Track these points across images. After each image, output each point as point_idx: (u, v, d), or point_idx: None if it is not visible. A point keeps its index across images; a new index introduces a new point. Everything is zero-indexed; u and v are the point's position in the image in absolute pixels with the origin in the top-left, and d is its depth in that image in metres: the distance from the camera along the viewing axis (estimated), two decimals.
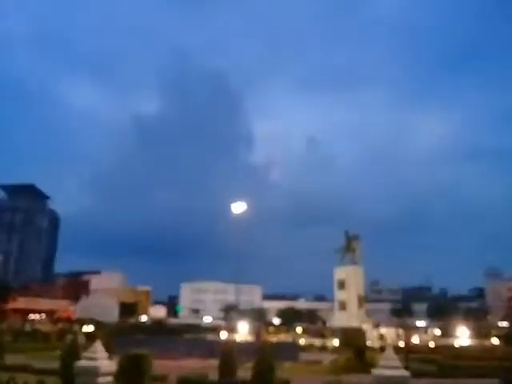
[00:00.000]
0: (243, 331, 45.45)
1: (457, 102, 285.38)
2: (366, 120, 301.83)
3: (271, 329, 63.43)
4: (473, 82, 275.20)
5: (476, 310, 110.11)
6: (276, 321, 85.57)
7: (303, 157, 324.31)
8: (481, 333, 59.84)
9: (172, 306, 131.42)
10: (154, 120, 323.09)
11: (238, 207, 71.44)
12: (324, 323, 65.00)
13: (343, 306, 55.38)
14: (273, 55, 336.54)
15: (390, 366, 4.06)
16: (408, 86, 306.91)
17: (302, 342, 35.69)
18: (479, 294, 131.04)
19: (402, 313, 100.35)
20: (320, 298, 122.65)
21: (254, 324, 51.38)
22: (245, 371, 13.20)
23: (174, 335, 42.08)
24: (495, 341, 45.76)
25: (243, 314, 65.76)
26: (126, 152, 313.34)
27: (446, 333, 59.13)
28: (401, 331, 53.37)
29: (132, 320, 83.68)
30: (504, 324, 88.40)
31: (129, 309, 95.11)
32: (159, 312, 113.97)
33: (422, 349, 31.02)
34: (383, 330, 52.65)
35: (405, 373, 4.02)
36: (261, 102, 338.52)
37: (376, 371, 4.06)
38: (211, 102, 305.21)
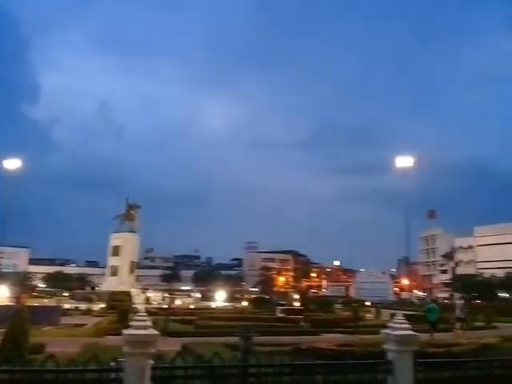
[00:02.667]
0: (2, 295, 41.35)
1: (248, 94, 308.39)
2: (160, 92, 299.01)
3: (35, 293, 59.16)
4: (268, 77, 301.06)
5: (234, 277, 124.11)
6: (42, 285, 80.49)
7: (92, 120, 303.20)
8: (235, 297, 68.17)
9: None
10: None
11: (11, 163, 63.89)
12: (93, 288, 63.85)
13: (115, 272, 55.52)
14: (70, 8, 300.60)
15: (140, 326, 4.75)
16: (208, 67, 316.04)
17: (66, 306, 34.53)
18: (238, 263, 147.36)
19: (170, 278, 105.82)
20: (92, 264, 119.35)
21: (16, 288, 47.16)
22: None
23: None
24: (245, 303, 52.87)
25: (4, 277, 59.77)
26: None
27: (207, 296, 65.38)
28: (166, 295, 56.51)
29: None
30: (255, 289, 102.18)
31: None
32: None
33: (183, 311, 33.63)
34: (150, 294, 54.88)
35: (154, 331, 4.76)
36: (53, 55, 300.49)
37: (126, 331, 4.69)
38: None
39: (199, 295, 71.08)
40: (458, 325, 23.48)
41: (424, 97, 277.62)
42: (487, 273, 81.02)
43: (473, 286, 74.99)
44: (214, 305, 49.75)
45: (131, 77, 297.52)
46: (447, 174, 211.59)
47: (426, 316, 22.72)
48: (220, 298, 55.84)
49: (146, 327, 4.57)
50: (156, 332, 4.67)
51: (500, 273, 77.52)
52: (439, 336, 19.67)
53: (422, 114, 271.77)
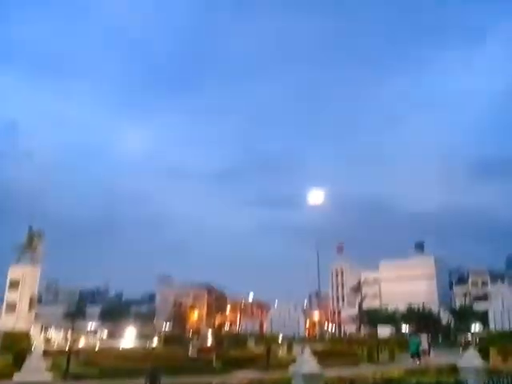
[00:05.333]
0: None
1: (167, 121, 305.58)
2: (72, 113, 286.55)
3: None
4: (188, 105, 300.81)
5: (145, 313, 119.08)
6: None
7: None
8: (146, 335, 65.19)
9: None
10: None
11: None
12: None
13: (12, 309, 50.71)
14: None
15: (34, 369, 4.41)
16: (128, 91, 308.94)
17: None
18: (150, 298, 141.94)
19: (75, 315, 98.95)
20: None
21: None
22: None
23: None
24: (156, 342, 50.71)
25: None
26: None
27: (115, 335, 61.83)
28: (69, 334, 52.67)
29: None
30: (167, 326, 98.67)
31: None
32: None
33: (88, 351, 31.50)
34: (51, 333, 50.81)
35: (47, 377, 4.42)
36: None
37: (18, 376, 4.33)
38: None
39: (106, 333, 67.10)
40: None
41: (338, 131, 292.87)
42: (391, 307, 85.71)
43: (377, 320, 78.80)
44: (121, 344, 47.14)
45: (42, 96, 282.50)
46: (356, 209, 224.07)
47: (409, 347, 28.81)
48: (129, 337, 53.10)
49: (40, 371, 4.24)
50: (49, 377, 4.34)
51: (402, 306, 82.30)
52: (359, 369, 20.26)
53: (337, 148, 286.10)
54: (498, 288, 71.53)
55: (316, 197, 73.19)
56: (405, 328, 74.10)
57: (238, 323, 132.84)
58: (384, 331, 67.00)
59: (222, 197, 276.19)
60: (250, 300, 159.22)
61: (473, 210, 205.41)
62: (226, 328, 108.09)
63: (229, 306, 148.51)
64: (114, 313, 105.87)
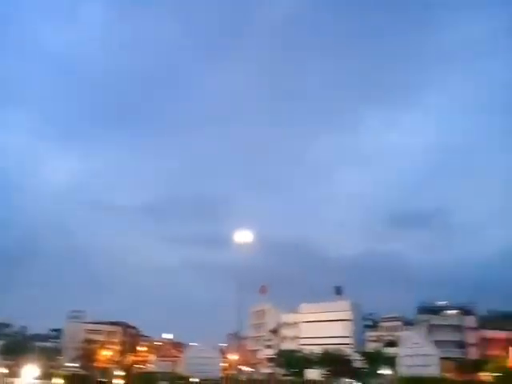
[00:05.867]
0: None
1: (98, 152, 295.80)
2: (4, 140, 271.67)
3: None
4: (125, 139, 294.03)
5: (51, 349, 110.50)
6: None
7: None
8: (49, 373, 60.20)
9: None
10: None
11: None
12: None
13: None
14: None
15: None
16: (59, 119, 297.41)
17: None
18: (58, 334, 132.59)
19: None
20: None
21: None
22: None
23: None
24: (59, 381, 47.06)
25: None
26: None
27: (15, 372, 56.49)
28: None
29: None
30: (74, 364, 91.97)
31: None
32: None
33: None
34: None
35: None
36: None
37: None
38: None
39: (6, 370, 61.13)
40: None
41: (272, 179, 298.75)
42: (307, 349, 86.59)
43: (292, 362, 79.12)
44: (21, 382, 43.20)
45: None
46: (282, 252, 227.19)
47: None
48: (30, 374, 48.72)
49: None
50: None
51: (318, 349, 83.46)
52: None
53: (270, 195, 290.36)
54: (407, 334, 74.98)
55: (243, 237, 73.42)
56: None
57: (151, 363, 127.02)
58: (312, 374, 66.75)
59: (153, 232, 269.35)
60: (167, 339, 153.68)
61: (389, 257, 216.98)
62: (139, 367, 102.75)
63: (143, 345, 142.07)
64: (17, 348, 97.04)
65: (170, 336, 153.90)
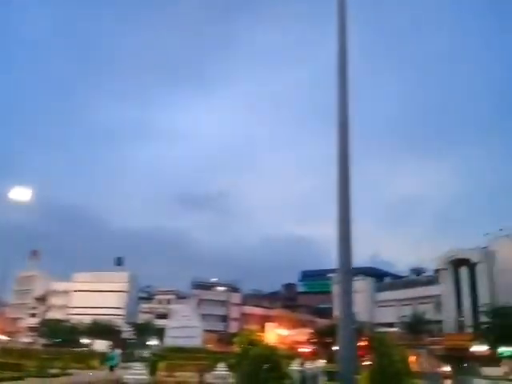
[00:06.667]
0: None
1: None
2: None
3: None
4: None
5: None
6: None
7: None
8: None
9: None
10: None
11: None
12: None
13: None
14: None
15: None
16: None
17: None
18: None
19: None
20: None
21: None
22: None
23: None
24: None
25: None
26: None
27: None
28: None
29: None
30: None
31: None
32: None
33: None
34: None
35: None
36: None
37: None
38: None
39: None
40: None
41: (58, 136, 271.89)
42: (76, 319, 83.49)
43: (58, 332, 75.47)
44: None
45: None
46: (63, 217, 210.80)
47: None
48: None
49: None
50: None
51: (88, 319, 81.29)
52: None
53: (57, 156, 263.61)
54: (178, 307, 79.00)
55: (19, 194, 65.80)
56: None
57: None
58: (101, 345, 63.54)
59: None
60: None
61: (174, 235, 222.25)
62: None
63: None
64: None
65: None
